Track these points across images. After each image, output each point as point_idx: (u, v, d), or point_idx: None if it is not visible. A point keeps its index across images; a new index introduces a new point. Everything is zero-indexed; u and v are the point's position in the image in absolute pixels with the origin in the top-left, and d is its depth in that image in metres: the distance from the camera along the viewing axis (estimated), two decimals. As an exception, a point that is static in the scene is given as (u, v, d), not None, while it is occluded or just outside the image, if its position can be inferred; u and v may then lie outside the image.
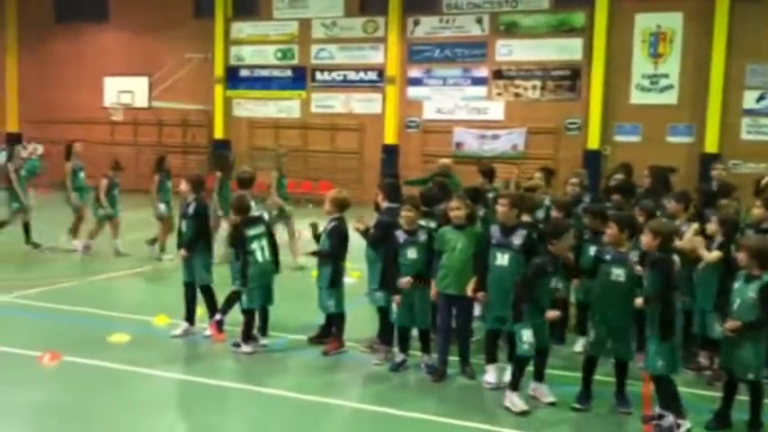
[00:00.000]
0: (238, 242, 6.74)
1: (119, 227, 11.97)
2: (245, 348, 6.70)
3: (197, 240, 7.14)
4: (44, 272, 10.35)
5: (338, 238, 6.73)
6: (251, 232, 6.76)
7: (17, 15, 26.56)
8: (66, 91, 25.69)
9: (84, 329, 7.41)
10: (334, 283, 6.70)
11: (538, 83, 20.61)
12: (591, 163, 17.76)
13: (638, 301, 5.26)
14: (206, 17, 23.89)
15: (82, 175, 12.19)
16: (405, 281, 6.14)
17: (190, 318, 7.26)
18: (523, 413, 5.39)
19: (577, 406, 5.58)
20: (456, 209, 6.11)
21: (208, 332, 7.18)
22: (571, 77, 20.19)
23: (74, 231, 12.26)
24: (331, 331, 6.89)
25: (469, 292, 5.97)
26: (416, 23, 21.85)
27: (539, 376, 5.77)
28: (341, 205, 6.86)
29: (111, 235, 11.94)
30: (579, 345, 6.78)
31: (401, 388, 6.04)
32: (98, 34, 25.46)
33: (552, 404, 5.63)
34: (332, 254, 6.71)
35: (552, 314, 5.50)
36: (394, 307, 6.29)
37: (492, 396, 5.82)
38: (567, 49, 20.14)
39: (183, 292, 7.30)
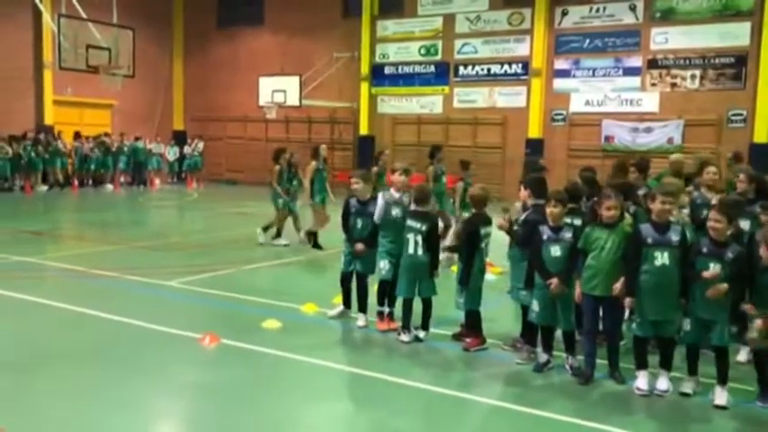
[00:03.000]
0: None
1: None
2: (404, 338, 6.89)
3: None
4: (203, 260, 11.14)
5: (466, 235, 6.67)
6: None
7: (183, 24, 28.74)
8: (224, 91, 27.51)
9: (239, 315, 7.90)
10: (463, 280, 6.64)
11: (697, 72, 19.31)
12: (758, 158, 16.32)
13: None
14: (354, 17, 24.54)
15: (383, 179, 12.07)
16: (555, 283, 5.95)
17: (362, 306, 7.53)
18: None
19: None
20: (612, 207, 5.82)
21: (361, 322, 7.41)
22: (736, 65, 18.72)
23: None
24: (471, 328, 6.86)
25: (615, 291, 5.70)
26: (564, 14, 21.19)
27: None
28: (479, 202, 6.80)
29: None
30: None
31: (544, 389, 5.88)
32: (254, 38, 26.99)
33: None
34: (458, 250, 6.68)
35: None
36: (534, 306, 6.15)
37: (641, 402, 5.53)
38: (732, 35, 18.68)
39: (334, 281, 7.70)
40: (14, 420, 4.84)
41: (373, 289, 7.48)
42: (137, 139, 25.25)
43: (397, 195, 7.30)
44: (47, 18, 20.04)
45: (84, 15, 17.84)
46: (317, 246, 12.03)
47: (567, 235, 6.03)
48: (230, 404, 5.35)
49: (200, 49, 28.26)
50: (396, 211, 7.19)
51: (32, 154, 22.08)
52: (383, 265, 7.18)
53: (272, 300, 8.46)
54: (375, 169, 11.67)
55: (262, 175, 26.83)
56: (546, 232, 6.09)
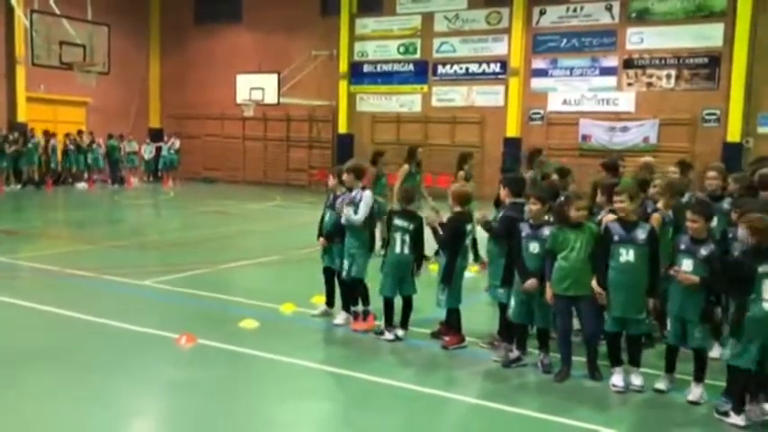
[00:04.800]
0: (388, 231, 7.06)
1: None
2: (386, 336, 6.89)
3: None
4: (180, 259, 11.04)
5: (450, 232, 6.69)
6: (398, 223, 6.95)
7: (160, 20, 28.45)
8: (202, 89, 27.28)
9: (216, 314, 7.84)
10: (446, 277, 6.65)
11: (672, 72, 19.56)
12: (731, 156, 16.57)
13: None
14: (332, 14, 24.48)
15: (383, 181, 11.44)
16: (530, 283, 6.00)
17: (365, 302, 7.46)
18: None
19: None
20: (581, 208, 5.88)
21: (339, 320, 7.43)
22: (709, 65, 19.00)
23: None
24: (450, 326, 6.88)
25: (595, 286, 5.75)
26: (542, 13, 21.34)
27: None
28: (463, 199, 6.83)
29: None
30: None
31: (521, 387, 5.92)
32: (232, 34, 26.81)
33: None
34: (443, 246, 6.70)
35: None
36: (512, 303, 6.19)
37: (617, 398, 5.60)
38: (706, 36, 18.95)
39: (313, 280, 7.59)
40: (-14, 423, 4.76)
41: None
42: (110, 137, 24.92)
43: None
44: (19, 13, 19.71)
45: (57, 11, 17.58)
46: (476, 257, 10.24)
47: (546, 232, 6.06)
48: (207, 404, 5.31)
49: (177, 45, 27.99)
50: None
51: (4, 151, 21.70)
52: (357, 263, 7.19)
53: (250, 299, 8.41)
54: (373, 170, 11.01)
55: (239, 173, 26.75)
56: (525, 229, 6.13)
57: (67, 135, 24.04)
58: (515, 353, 6.31)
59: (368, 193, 7.21)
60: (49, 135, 23.53)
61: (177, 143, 26.66)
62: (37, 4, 17.60)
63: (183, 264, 10.54)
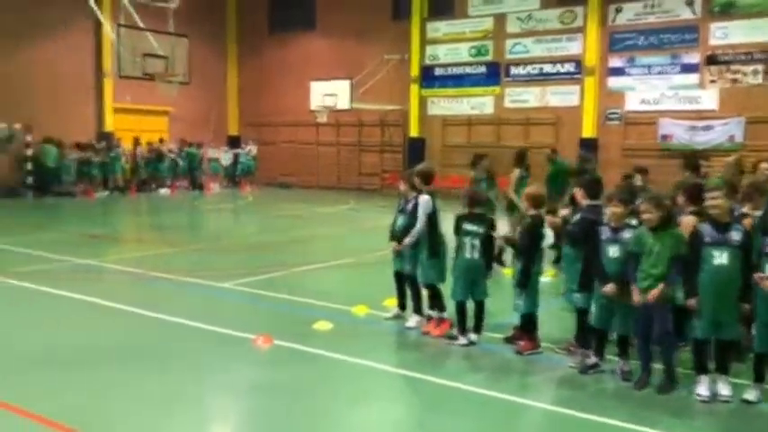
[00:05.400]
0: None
1: None
2: (460, 341, 6.84)
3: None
4: (257, 262, 11.31)
5: (529, 237, 6.58)
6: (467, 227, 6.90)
7: (237, 29, 29.27)
8: (277, 96, 27.89)
9: (291, 316, 7.99)
10: (522, 282, 6.56)
11: (759, 67, 18.63)
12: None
13: None
14: (403, 19, 24.58)
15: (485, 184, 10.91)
16: (609, 287, 5.84)
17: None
18: None
19: None
20: (645, 212, 5.67)
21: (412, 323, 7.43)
22: (800, 59, 17.99)
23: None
24: (525, 331, 6.78)
25: (650, 297, 5.51)
26: (618, 11, 20.77)
27: None
28: (538, 201, 6.72)
29: None
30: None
31: (598, 393, 5.76)
32: (305, 42, 27.29)
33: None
34: (521, 251, 6.60)
35: None
36: (593, 308, 6.04)
37: (701, 408, 5.37)
38: (796, 28, 17.97)
39: (385, 283, 7.70)
40: (82, 416, 5.00)
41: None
42: (190, 144, 25.82)
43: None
44: (107, 28, 20.71)
45: (141, 25, 18.37)
46: (500, 262, 9.86)
47: (627, 235, 5.88)
48: (283, 404, 5.42)
49: (252, 54, 28.74)
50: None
51: (94, 160, 22.85)
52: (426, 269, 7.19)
53: (324, 301, 8.52)
54: (473, 174, 10.89)
55: (313, 178, 27.20)
56: (605, 233, 5.97)
57: (150, 143, 25.09)
58: (592, 359, 6.14)
59: (424, 198, 7.20)
60: (136, 143, 24.63)
61: (254, 149, 27.35)
62: (123, 19, 18.45)
63: (261, 266, 10.80)
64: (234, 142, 28.47)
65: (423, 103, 24.69)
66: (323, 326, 7.37)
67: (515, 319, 6.84)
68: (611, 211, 5.98)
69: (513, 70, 22.73)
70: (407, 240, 7.24)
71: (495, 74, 23.12)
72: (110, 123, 24.83)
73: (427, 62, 24.48)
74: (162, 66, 18.63)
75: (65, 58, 23.34)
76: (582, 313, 6.27)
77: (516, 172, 10.95)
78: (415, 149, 23.86)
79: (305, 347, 6.70)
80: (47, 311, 8.10)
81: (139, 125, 25.97)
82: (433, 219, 7.23)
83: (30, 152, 21.74)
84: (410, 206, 7.36)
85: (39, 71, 22.54)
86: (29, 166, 21.80)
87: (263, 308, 8.42)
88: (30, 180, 21.82)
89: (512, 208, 10.63)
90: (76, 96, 23.89)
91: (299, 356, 6.54)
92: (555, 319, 7.47)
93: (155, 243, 13.77)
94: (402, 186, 7.68)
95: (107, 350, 6.63)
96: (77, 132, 23.41)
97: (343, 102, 22.91)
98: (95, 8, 19.01)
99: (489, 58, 23.22)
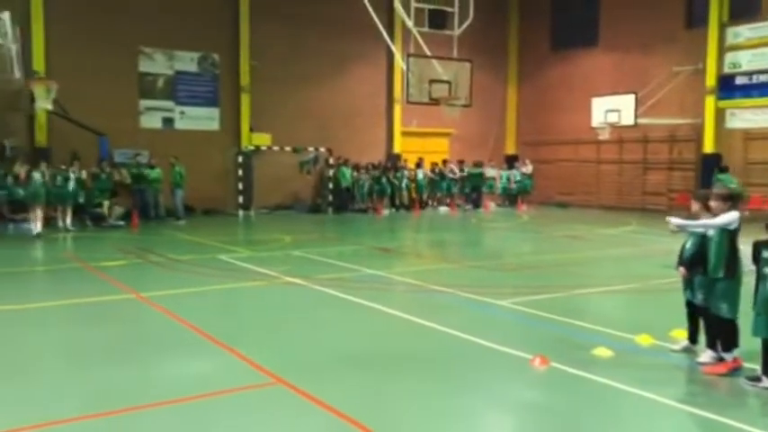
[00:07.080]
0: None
1: None
2: (765, 383, 6.12)
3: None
4: (534, 282, 11.28)
5: None
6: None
7: (518, 50, 29.66)
8: (556, 114, 27.63)
9: (569, 339, 7.81)
10: None
11: None
12: None
13: None
14: (698, 26, 22.75)
15: None
16: None
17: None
18: None
19: None
20: None
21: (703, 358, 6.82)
22: None
23: None
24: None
25: None
26: None
27: None
28: None
29: None
30: None
31: None
32: (587, 58, 26.69)
33: None
34: None
35: None
36: None
37: None
38: None
39: (672, 311, 7.11)
40: (372, 414, 5.48)
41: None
42: (474, 164, 26.72)
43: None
44: (398, 58, 22.46)
45: (428, 53, 19.57)
46: None
47: None
48: (557, 428, 5.32)
49: (533, 73, 28.84)
50: None
51: (384, 180, 24.87)
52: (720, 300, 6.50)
53: (604, 327, 8.18)
54: None
55: (592, 198, 26.30)
56: None
57: (435, 164, 26.54)
58: None
59: (732, 212, 6.46)
60: (418, 164, 26.28)
61: (530, 168, 27.35)
62: (413, 48, 19.86)
63: (538, 286, 10.74)
64: (510, 161, 28.77)
65: (720, 115, 22.45)
66: (603, 352, 7.08)
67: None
68: None
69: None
70: (679, 222, 6.67)
71: (811, 79, 20.17)
72: (398, 145, 26.84)
73: (726, 71, 22.23)
74: (446, 90, 19.62)
75: (360, 88, 25.92)
76: None
77: None
78: (709, 166, 21.74)
79: (583, 373, 6.49)
80: (338, 315, 9.00)
81: (423, 147, 27.60)
82: (733, 238, 6.53)
83: (330, 173, 24.47)
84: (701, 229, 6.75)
85: (338, 101, 25.37)
86: (329, 185, 24.53)
87: (541, 328, 8.36)
88: (330, 198, 24.53)
89: None
90: (370, 122, 26.34)
91: (577, 381, 6.36)
92: None
93: (435, 258, 14.49)
94: (694, 207, 7.08)
95: (390, 355, 7.13)
96: (370, 154, 25.77)
97: (627, 117, 21.93)
98: (389, 41, 20.75)
99: (804, 61, 20.31)
